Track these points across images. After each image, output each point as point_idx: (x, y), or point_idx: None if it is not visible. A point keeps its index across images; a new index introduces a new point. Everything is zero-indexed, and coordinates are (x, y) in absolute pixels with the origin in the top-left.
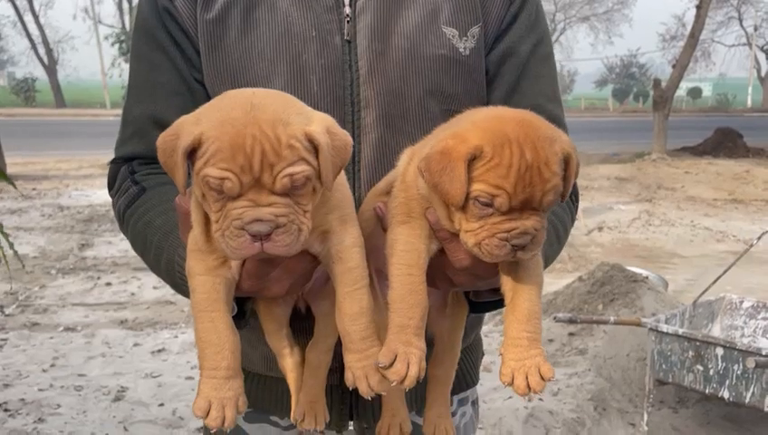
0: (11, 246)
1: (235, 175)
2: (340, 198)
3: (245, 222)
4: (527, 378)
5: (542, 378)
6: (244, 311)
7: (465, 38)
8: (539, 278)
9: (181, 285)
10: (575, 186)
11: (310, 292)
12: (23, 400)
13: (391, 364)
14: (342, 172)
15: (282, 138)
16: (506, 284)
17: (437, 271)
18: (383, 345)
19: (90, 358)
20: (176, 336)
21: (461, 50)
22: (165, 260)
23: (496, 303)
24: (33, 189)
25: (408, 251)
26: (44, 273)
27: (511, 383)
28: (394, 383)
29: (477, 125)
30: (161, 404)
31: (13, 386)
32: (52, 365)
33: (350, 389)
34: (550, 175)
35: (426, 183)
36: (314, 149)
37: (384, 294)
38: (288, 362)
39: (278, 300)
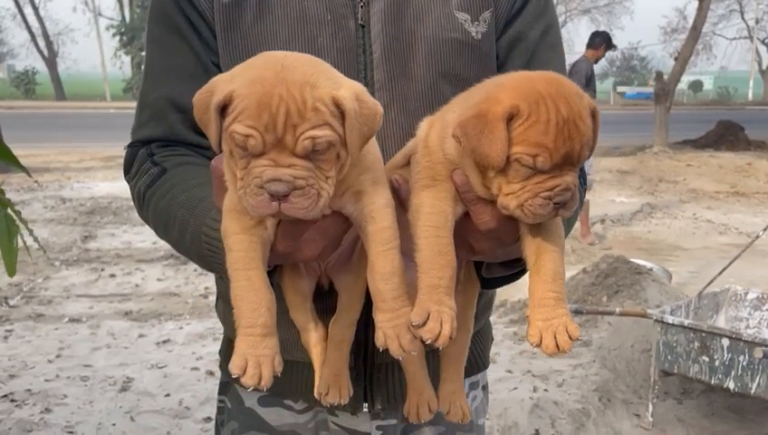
0: (30, 232)
1: (259, 133)
2: (372, 159)
3: (264, 180)
4: (555, 337)
5: (570, 337)
6: (270, 284)
7: (476, 22)
8: (561, 240)
9: (208, 257)
10: (584, 169)
11: (333, 265)
12: (29, 390)
13: (424, 323)
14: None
15: (308, 100)
16: (529, 247)
17: (458, 238)
18: (414, 305)
19: (95, 349)
20: (180, 328)
21: (473, 34)
22: (190, 233)
23: (507, 278)
24: (35, 181)
25: (434, 214)
26: (48, 264)
27: (539, 344)
28: (428, 341)
29: (507, 86)
30: (167, 395)
31: (19, 377)
32: (58, 356)
33: (380, 349)
34: (585, 128)
35: (464, 149)
36: (341, 115)
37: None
38: (312, 337)
39: (302, 273)
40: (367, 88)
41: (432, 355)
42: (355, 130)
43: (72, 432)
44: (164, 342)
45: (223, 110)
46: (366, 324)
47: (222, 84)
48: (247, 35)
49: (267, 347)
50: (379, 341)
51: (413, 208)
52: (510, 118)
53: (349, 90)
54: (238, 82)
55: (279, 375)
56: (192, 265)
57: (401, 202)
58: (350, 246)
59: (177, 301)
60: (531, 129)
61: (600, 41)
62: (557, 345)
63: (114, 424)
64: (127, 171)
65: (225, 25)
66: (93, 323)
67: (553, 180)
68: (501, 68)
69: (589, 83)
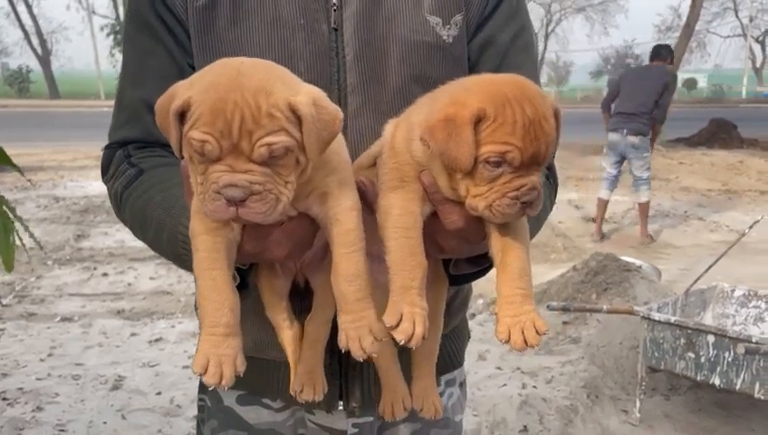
0: (26, 228)
1: (215, 139)
2: (338, 161)
3: (220, 186)
4: (523, 333)
5: (537, 332)
6: (246, 283)
7: (448, 26)
8: (526, 238)
9: (183, 256)
10: (555, 168)
11: (308, 265)
12: (21, 389)
13: (398, 324)
14: (341, 136)
15: (262, 106)
16: (496, 245)
17: (426, 238)
18: (388, 307)
19: (87, 347)
20: (173, 326)
21: (444, 37)
22: (167, 233)
23: (474, 274)
24: (29, 180)
25: (403, 215)
26: (41, 263)
27: (508, 340)
28: (402, 342)
29: (473, 90)
30: (159, 393)
31: (11, 375)
32: (50, 355)
33: (343, 350)
34: (549, 128)
35: (432, 152)
36: (298, 120)
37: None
38: (287, 335)
39: (278, 272)
40: (340, 91)
41: (404, 353)
42: (313, 135)
43: (63, 430)
44: (156, 340)
45: (183, 115)
46: None
47: (181, 90)
48: (221, 38)
49: (229, 347)
50: (341, 342)
51: (381, 210)
52: (477, 121)
53: (306, 95)
54: (196, 88)
55: (241, 375)
56: None
57: (368, 204)
58: (324, 245)
59: (170, 300)
60: (498, 130)
61: (666, 54)
62: (525, 341)
63: (105, 422)
64: (104, 173)
65: (198, 28)
66: (85, 321)
67: (520, 180)
68: (472, 70)
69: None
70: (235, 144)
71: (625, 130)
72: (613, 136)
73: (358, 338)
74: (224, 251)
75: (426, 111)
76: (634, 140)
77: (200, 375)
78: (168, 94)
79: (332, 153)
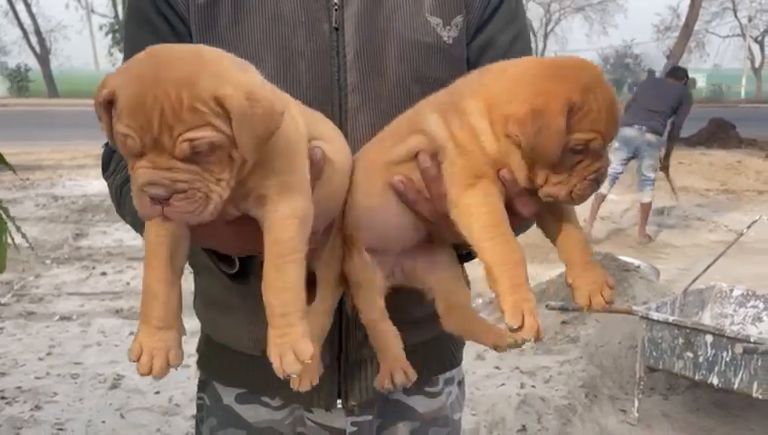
0: (18, 228)
1: (137, 133)
2: (283, 163)
3: (141, 184)
4: (601, 294)
5: (609, 288)
6: (247, 271)
7: (448, 27)
8: (574, 210)
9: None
10: None
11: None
12: (19, 388)
13: (521, 326)
14: (295, 137)
15: (184, 99)
16: (551, 222)
17: None
18: (504, 307)
19: (86, 346)
20: None
21: (445, 38)
22: None
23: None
24: (27, 179)
25: (491, 212)
26: (39, 262)
27: (589, 305)
28: (531, 340)
29: (554, 78)
30: (157, 392)
31: (9, 374)
32: (49, 354)
33: (271, 361)
34: (619, 110)
35: (522, 146)
36: (228, 114)
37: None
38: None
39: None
40: (340, 89)
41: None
42: (245, 130)
43: (62, 429)
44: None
45: (113, 104)
46: (340, 321)
47: (110, 79)
48: (222, 36)
49: (161, 340)
50: (267, 353)
51: (461, 210)
52: (569, 112)
53: (237, 87)
54: (121, 78)
55: (176, 369)
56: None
57: (409, 203)
58: (325, 231)
59: None
60: (584, 119)
61: (682, 74)
62: (605, 301)
63: (104, 421)
64: (104, 169)
65: (200, 26)
66: (84, 320)
67: (598, 162)
68: (471, 71)
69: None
70: (156, 139)
71: (644, 127)
72: (629, 131)
73: (278, 356)
74: (166, 245)
75: (482, 101)
76: (651, 137)
77: (134, 362)
78: (101, 82)
79: (274, 154)
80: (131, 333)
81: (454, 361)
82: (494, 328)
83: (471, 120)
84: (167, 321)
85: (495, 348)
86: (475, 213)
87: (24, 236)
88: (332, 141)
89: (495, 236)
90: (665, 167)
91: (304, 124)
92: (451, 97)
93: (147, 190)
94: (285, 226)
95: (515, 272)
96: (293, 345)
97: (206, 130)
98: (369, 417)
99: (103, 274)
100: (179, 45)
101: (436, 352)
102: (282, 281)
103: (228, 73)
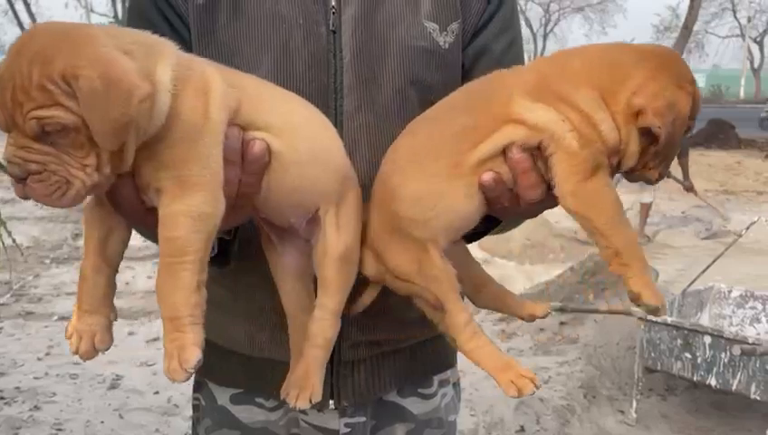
0: (9, 234)
1: (0, 109)
2: (182, 155)
3: (2, 160)
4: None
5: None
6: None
7: (444, 33)
8: None
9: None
10: None
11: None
12: (18, 388)
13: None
14: (213, 127)
15: (34, 76)
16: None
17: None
18: (638, 288)
19: None
20: None
21: (441, 44)
22: None
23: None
24: None
25: (616, 200)
26: (38, 262)
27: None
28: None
29: (665, 67)
30: (156, 392)
31: (8, 374)
32: (47, 354)
33: None
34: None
35: (663, 137)
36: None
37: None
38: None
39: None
40: (336, 92)
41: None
42: (95, 112)
43: (60, 430)
44: (153, 339)
45: None
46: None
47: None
48: (221, 37)
49: (87, 324)
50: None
51: (583, 200)
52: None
53: (92, 67)
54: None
55: (102, 352)
56: None
57: (492, 200)
58: (309, 224)
59: None
60: (694, 105)
61: None
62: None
63: (103, 422)
64: None
65: (199, 26)
66: None
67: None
68: (466, 77)
69: None
70: (11, 116)
71: None
72: None
73: (167, 358)
74: (97, 232)
75: (594, 91)
76: None
77: (67, 340)
78: None
79: (167, 144)
80: (130, 333)
81: (448, 361)
82: (526, 301)
83: (587, 110)
84: (93, 306)
85: (531, 318)
86: (601, 202)
87: (10, 234)
88: (291, 131)
89: (622, 222)
90: (683, 164)
91: (230, 111)
92: (543, 83)
93: (8, 168)
94: (176, 224)
95: (641, 254)
96: (180, 352)
97: (54, 109)
98: (363, 418)
99: None
100: (66, 22)
101: (430, 352)
102: (170, 283)
103: (92, 52)
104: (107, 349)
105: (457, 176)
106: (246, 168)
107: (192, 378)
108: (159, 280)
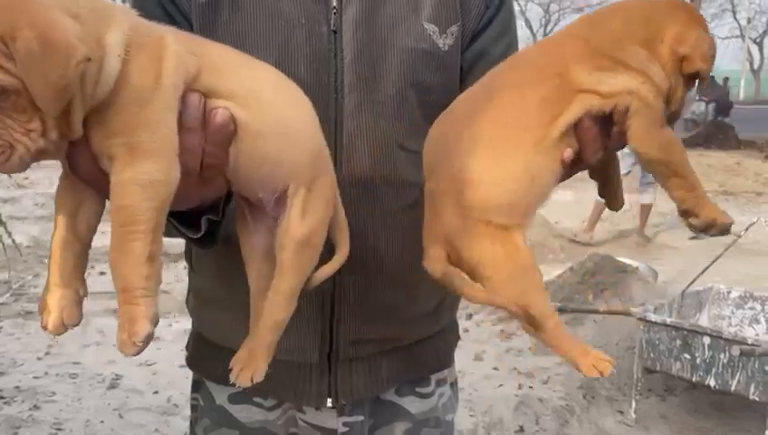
0: (9, 234)
1: None
2: (131, 120)
3: None
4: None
5: None
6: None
7: (444, 35)
8: None
9: (171, 229)
10: None
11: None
12: (17, 387)
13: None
14: (165, 92)
15: None
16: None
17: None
18: (714, 215)
19: (84, 346)
20: (170, 325)
21: (441, 46)
22: None
23: None
24: (26, 178)
25: (683, 147)
26: (38, 262)
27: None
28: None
29: (693, 15)
30: (156, 392)
31: (7, 374)
32: (47, 353)
33: None
34: None
35: (707, 77)
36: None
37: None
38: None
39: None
40: (337, 91)
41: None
42: (33, 75)
43: (60, 429)
44: (153, 339)
45: None
46: (331, 318)
47: None
48: (223, 36)
49: (53, 298)
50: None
51: (665, 147)
52: None
53: (30, 29)
54: None
55: (70, 327)
56: (182, 263)
57: (567, 171)
58: (278, 203)
59: (167, 298)
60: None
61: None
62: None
63: (102, 421)
64: None
65: (201, 24)
66: (82, 320)
67: None
68: (464, 80)
69: None
70: None
71: None
72: None
73: (118, 331)
74: (66, 204)
75: (641, 46)
76: None
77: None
78: None
79: (116, 109)
80: None
81: (446, 360)
82: None
83: (642, 67)
84: (63, 280)
85: None
86: (676, 145)
87: (9, 234)
88: (257, 101)
89: (689, 165)
90: None
91: (187, 76)
92: (594, 50)
93: None
94: (126, 192)
95: (703, 188)
96: (130, 325)
97: None
98: (361, 417)
99: (102, 273)
100: None
101: (428, 351)
102: (121, 253)
103: (32, 13)
104: (75, 324)
105: (541, 151)
106: (210, 137)
107: (191, 378)
108: (111, 251)
